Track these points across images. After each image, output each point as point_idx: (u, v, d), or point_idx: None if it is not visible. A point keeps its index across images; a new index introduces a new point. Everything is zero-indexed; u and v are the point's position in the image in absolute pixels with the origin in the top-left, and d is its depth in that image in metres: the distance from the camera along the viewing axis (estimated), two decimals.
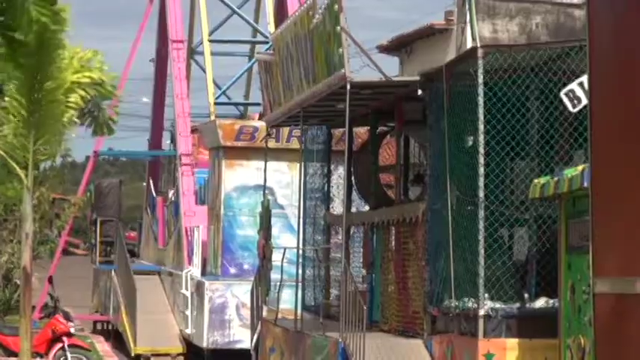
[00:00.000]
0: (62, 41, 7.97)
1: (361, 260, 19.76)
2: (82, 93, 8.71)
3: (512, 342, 14.50)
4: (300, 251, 20.67)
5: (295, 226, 21.70)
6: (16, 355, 17.05)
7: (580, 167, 12.83)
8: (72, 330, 21.41)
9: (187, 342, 26.14)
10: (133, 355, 25.61)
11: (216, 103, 31.43)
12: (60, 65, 8.11)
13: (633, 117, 5.95)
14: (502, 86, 15.03)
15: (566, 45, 14.88)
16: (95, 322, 31.86)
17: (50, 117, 8.16)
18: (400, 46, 21.32)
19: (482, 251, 14.65)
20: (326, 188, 21.17)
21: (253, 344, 21.60)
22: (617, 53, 6.16)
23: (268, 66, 21.24)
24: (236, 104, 34.60)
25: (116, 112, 9.60)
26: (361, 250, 19.93)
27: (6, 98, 8.45)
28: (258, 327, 21.40)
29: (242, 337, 23.70)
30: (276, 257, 21.25)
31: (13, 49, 7.09)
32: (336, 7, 16.26)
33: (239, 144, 25.81)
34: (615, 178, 6.24)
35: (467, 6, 16.35)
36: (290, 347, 19.17)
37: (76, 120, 9.16)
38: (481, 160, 14.76)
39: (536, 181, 14.26)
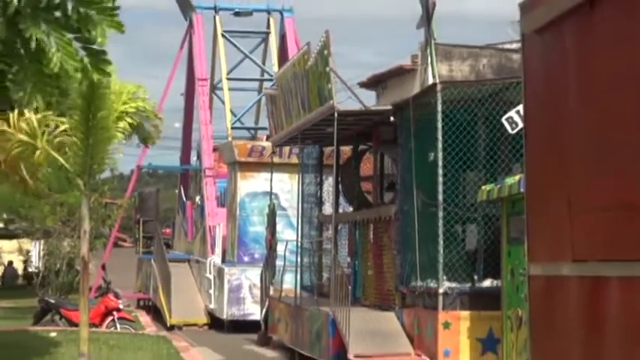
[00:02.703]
0: (110, 82, 8.00)
1: (347, 250, 19.62)
2: (129, 120, 8.79)
3: (465, 314, 14.44)
4: (299, 243, 20.63)
5: (295, 224, 21.36)
6: (76, 325, 17.11)
7: (517, 176, 12.80)
8: (120, 306, 21.27)
9: (211, 315, 25.78)
10: (168, 325, 25.15)
11: (232, 128, 31.29)
12: (110, 98, 8.20)
13: (555, 137, 5.84)
14: (456, 114, 14.94)
15: (506, 81, 14.83)
16: (139, 300, 31.62)
17: (102, 140, 8.13)
18: (376, 83, 21.40)
19: (441, 243, 14.65)
20: (319, 194, 21.07)
21: (262, 316, 21.52)
22: (545, 88, 6.05)
23: (273, 98, 21.18)
24: (248, 128, 34.16)
25: (157, 125, 9.62)
26: (346, 242, 19.77)
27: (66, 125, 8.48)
28: (267, 303, 21.34)
29: (254, 311, 23.44)
30: (280, 248, 21.34)
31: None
32: (326, 52, 16.18)
33: (251, 160, 25.52)
34: (543, 184, 6.10)
35: (428, 51, 16.39)
36: (292, 318, 19.10)
37: (123, 141, 9.22)
38: (440, 171, 14.72)
39: (483, 187, 14.23)
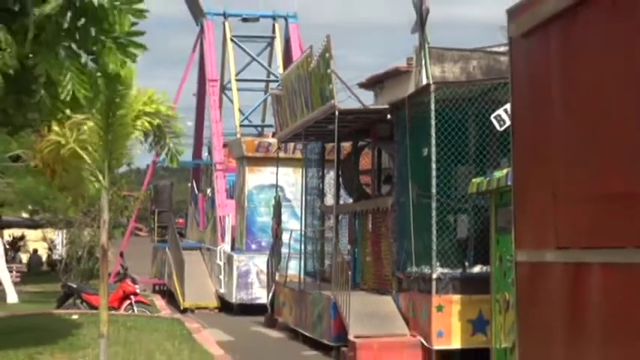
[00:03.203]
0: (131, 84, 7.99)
1: (347, 238, 19.60)
2: (148, 119, 8.74)
3: (457, 297, 14.42)
4: (303, 232, 20.65)
5: (299, 214, 21.43)
6: (96, 308, 17.07)
7: (505, 170, 12.78)
8: (137, 290, 21.24)
9: (221, 298, 25.81)
10: (181, 308, 25.11)
11: (241, 125, 31.29)
12: (129, 97, 8.17)
13: (540, 134, 5.83)
14: (448, 112, 14.90)
15: (494, 81, 14.75)
16: (154, 285, 31.58)
17: (121, 137, 8.11)
18: (374, 83, 21.26)
19: (434, 231, 14.61)
20: (321, 186, 20.99)
21: (269, 300, 21.55)
22: (531, 88, 6.03)
23: (278, 98, 21.19)
24: (255, 126, 34.15)
25: (181, 151, 9.55)
26: (347, 231, 19.75)
27: (90, 123, 8.48)
28: (273, 287, 21.36)
29: (261, 295, 23.46)
30: (285, 237, 21.27)
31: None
32: (327, 55, 16.20)
33: (258, 155, 25.52)
34: (529, 178, 6.07)
35: (422, 54, 16.29)
36: (296, 302, 19.12)
37: (141, 139, 9.17)
38: (433, 165, 14.68)
39: (473, 180, 14.17)
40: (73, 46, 5.54)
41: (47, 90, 5.65)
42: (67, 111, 5.97)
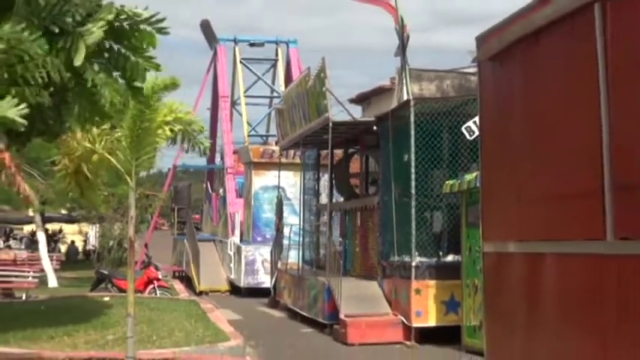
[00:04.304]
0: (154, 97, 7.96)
1: (339, 232, 19.67)
2: (170, 127, 8.69)
3: (432, 282, 14.47)
4: (301, 226, 20.69)
5: (298, 211, 21.45)
6: (124, 291, 17.03)
7: (474, 174, 12.83)
8: (160, 276, 21.24)
9: (231, 283, 25.80)
10: (197, 291, 25.10)
11: (248, 135, 31.27)
12: (153, 111, 8.14)
13: (504, 143, 5.82)
14: (425, 124, 14.94)
15: (465, 98, 14.81)
16: (174, 272, 31.48)
17: (146, 144, 8.09)
18: (362, 99, 21.44)
19: (413, 226, 14.68)
20: (316, 187, 21.04)
21: (272, 284, 21.54)
22: (496, 103, 6.03)
23: (281, 112, 21.23)
24: (260, 136, 34.04)
25: (205, 144, 9.46)
26: (339, 225, 19.84)
27: (119, 132, 8.44)
28: (275, 274, 21.37)
29: (265, 280, 23.40)
30: (286, 230, 21.32)
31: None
32: (322, 75, 16.25)
33: (263, 160, 25.50)
34: (494, 180, 6.07)
35: (403, 74, 16.37)
36: (295, 286, 19.14)
37: (167, 144, 9.12)
38: (412, 169, 14.75)
39: (447, 182, 14.26)
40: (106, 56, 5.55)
41: (84, 99, 5.65)
42: (98, 119, 5.95)
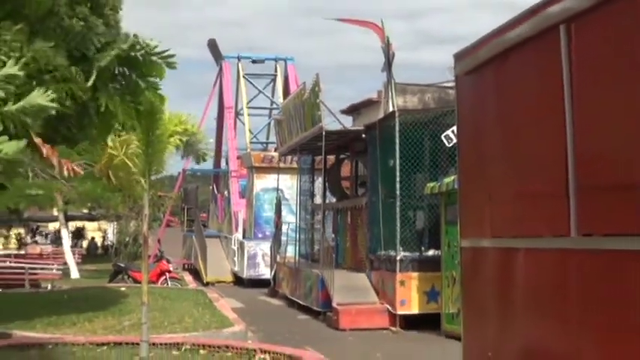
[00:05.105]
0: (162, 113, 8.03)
1: (331, 229, 19.67)
2: (178, 137, 8.72)
3: (415, 274, 14.50)
4: (298, 224, 20.74)
5: (295, 210, 21.46)
6: (139, 282, 17.05)
7: (452, 177, 12.90)
8: (171, 268, 21.40)
9: (235, 275, 25.83)
10: (204, 282, 25.24)
11: (250, 142, 31.31)
12: (163, 121, 8.15)
13: (479, 150, 5.78)
14: (409, 132, 14.97)
15: (444, 109, 14.82)
16: (184, 264, 31.51)
17: (158, 151, 8.14)
18: (352, 110, 21.47)
19: (398, 224, 14.72)
20: (311, 189, 21.05)
21: (272, 276, 21.55)
22: (472, 114, 5.98)
23: (279, 122, 21.30)
24: (261, 143, 34.09)
25: (204, 153, 9.48)
26: (331, 223, 19.85)
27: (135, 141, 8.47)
28: (275, 266, 21.42)
29: (265, 272, 23.43)
30: (284, 228, 21.57)
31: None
32: (317, 88, 16.33)
33: (263, 165, 25.56)
34: (470, 183, 6.02)
35: (389, 88, 16.45)
36: (292, 277, 19.11)
37: (174, 151, 9.14)
38: (397, 173, 14.79)
39: (428, 184, 14.31)
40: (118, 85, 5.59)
41: (102, 115, 5.67)
42: (116, 127, 5.99)
